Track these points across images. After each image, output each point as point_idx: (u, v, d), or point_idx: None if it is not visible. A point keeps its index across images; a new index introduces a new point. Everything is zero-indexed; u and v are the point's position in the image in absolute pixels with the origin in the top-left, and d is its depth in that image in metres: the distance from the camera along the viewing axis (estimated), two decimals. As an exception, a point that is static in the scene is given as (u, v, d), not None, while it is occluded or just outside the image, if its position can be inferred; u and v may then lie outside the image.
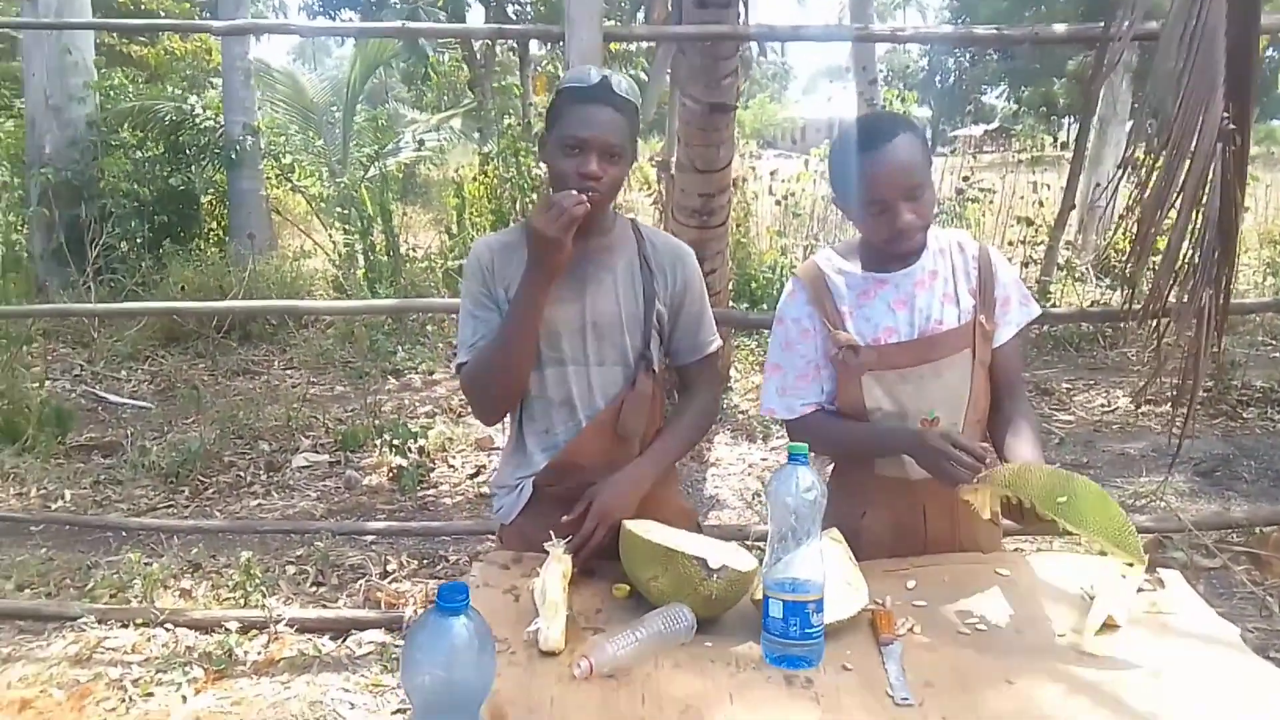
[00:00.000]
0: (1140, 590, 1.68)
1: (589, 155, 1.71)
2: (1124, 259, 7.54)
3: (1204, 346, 2.94)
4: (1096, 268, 8.00)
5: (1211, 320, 2.93)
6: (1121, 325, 6.83)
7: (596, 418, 1.84)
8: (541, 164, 8.17)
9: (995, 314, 1.87)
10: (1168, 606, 1.66)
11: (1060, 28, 3.57)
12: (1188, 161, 2.76)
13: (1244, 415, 5.47)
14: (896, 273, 1.84)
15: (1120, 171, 3.03)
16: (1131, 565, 1.67)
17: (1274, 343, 6.79)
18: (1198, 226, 2.83)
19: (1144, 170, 2.90)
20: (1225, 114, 2.79)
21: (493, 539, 3.12)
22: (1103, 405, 5.87)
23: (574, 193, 1.67)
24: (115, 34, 13.37)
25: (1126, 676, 1.42)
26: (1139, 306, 3.08)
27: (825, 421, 1.90)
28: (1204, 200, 2.81)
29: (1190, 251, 2.88)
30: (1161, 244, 3.02)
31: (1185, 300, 2.89)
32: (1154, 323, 3.05)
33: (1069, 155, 7.75)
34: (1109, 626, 1.53)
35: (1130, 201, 3.03)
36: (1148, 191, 2.86)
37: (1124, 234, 7.53)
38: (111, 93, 9.55)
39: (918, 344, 1.82)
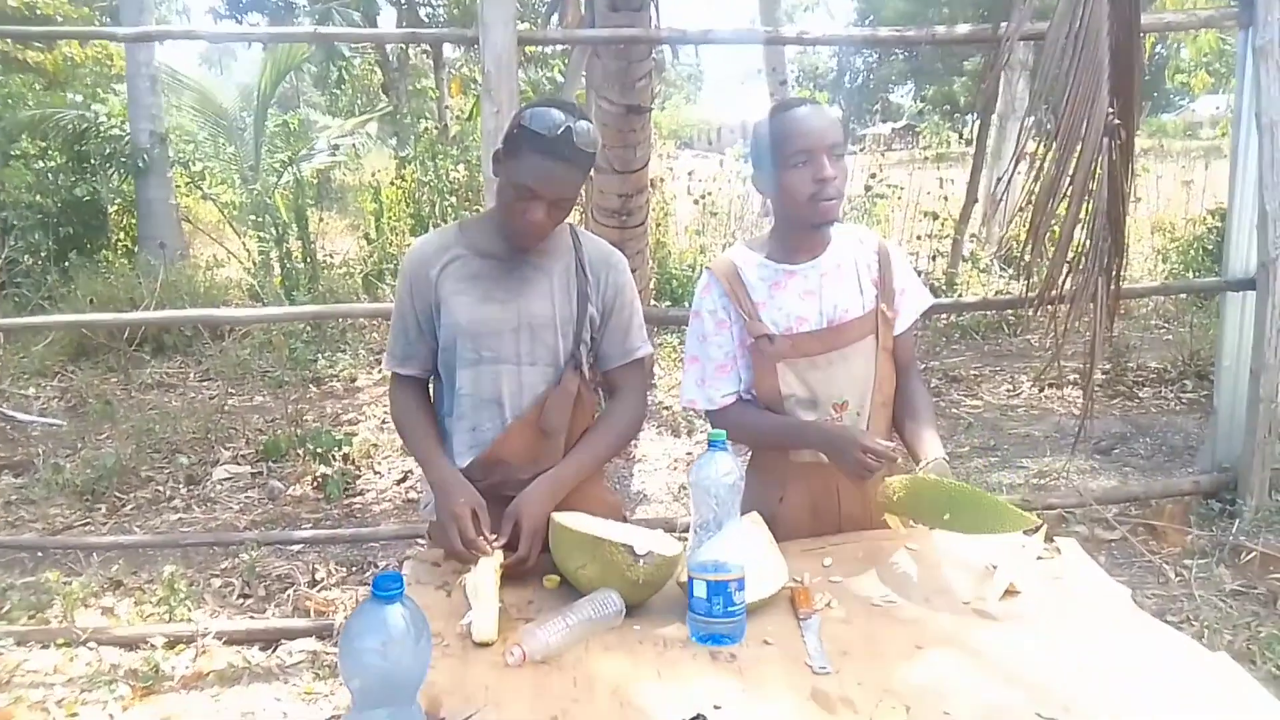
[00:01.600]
0: (1039, 559, 1.80)
1: (539, 205, 1.75)
2: (1023, 249, 7.86)
3: (1099, 330, 3.11)
4: (1000, 258, 8.30)
5: (1104, 305, 3.10)
6: (1024, 312, 7.10)
7: (522, 415, 1.88)
8: (463, 165, 8.21)
9: (895, 303, 1.99)
10: (1064, 572, 1.78)
11: (963, 28, 3.72)
12: (1076, 155, 2.91)
13: (1140, 395, 5.76)
14: (805, 264, 1.94)
15: (1013, 165, 3.18)
16: (1031, 531, 1.81)
17: (1166, 325, 7.14)
18: (1088, 217, 2.99)
19: (1037, 164, 3.05)
20: (1110, 109, 2.94)
21: (422, 542, 3.14)
22: (1008, 390, 6.11)
23: (466, 545, 1.72)
24: (11, 40, 12.85)
25: (1026, 638, 1.52)
26: (1035, 294, 3.24)
27: (745, 413, 1.98)
28: (1093, 192, 2.97)
29: (1083, 240, 3.04)
30: (1057, 234, 3.18)
31: (1080, 287, 3.05)
32: (1051, 308, 3.20)
33: (973, 151, 8.02)
34: (1010, 593, 1.64)
35: (1025, 194, 3.19)
36: (1039, 185, 3.01)
37: (1023, 225, 7.84)
38: (9, 101, 9.24)
39: (827, 332, 1.92)
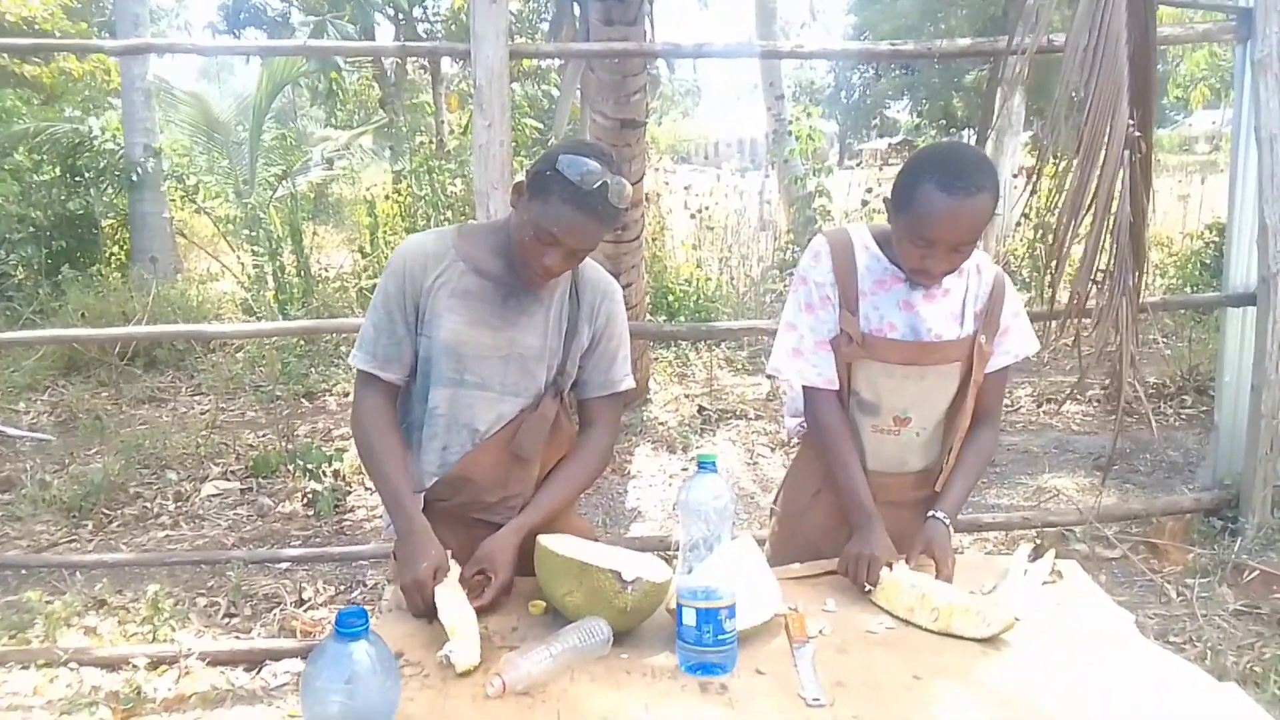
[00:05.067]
0: (1044, 584, 1.75)
1: (558, 252, 1.67)
2: (1021, 264, 7.82)
3: (1126, 347, 3.06)
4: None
5: (1129, 322, 3.05)
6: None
7: (494, 434, 1.81)
8: (459, 179, 8.17)
9: (994, 339, 1.91)
10: (1066, 598, 1.73)
11: (964, 42, 3.69)
12: (1099, 169, 2.85)
13: (1139, 411, 5.69)
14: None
15: (1033, 180, 3.11)
16: (1036, 556, 1.77)
17: (1164, 340, 7.09)
18: (1110, 232, 2.93)
19: (1054, 179, 3.00)
20: (1130, 120, 2.89)
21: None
22: (1006, 405, 6.05)
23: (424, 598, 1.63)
24: (7, 54, 12.85)
25: (1028, 667, 1.47)
26: (1059, 310, 3.19)
27: (833, 422, 1.90)
28: (1114, 208, 2.91)
29: (1107, 257, 2.98)
30: (1073, 251, 3.13)
31: (1105, 304, 2.99)
32: (1074, 326, 3.15)
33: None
34: (1012, 620, 1.58)
35: (1026, 209, 3.15)
36: (1061, 199, 2.95)
37: (1022, 241, 7.82)
38: (4, 114, 9.22)
39: (912, 346, 1.85)
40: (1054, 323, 3.24)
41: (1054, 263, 3.10)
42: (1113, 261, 2.96)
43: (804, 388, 1.94)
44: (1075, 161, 2.87)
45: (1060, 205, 2.95)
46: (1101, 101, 2.80)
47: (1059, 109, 2.94)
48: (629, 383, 1.94)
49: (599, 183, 1.63)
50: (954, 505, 1.88)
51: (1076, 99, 2.87)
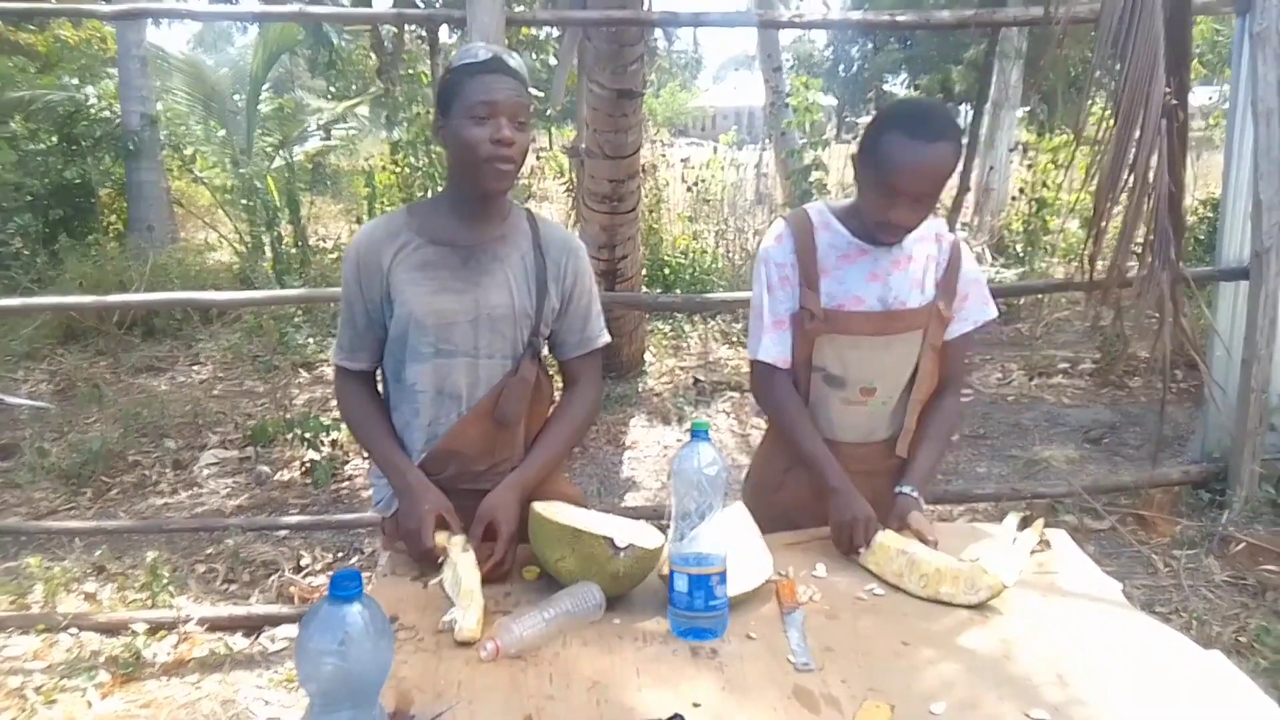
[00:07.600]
0: (1032, 552, 1.78)
1: (499, 120, 1.68)
2: (1016, 238, 7.82)
3: (1172, 318, 3.07)
4: (992, 247, 8.27)
5: (1169, 294, 3.06)
6: (1017, 301, 7.10)
7: (476, 405, 1.82)
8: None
9: (953, 305, 1.93)
10: (1054, 566, 1.76)
11: (970, 11, 3.67)
12: (1135, 139, 2.82)
13: (1130, 385, 5.74)
14: (879, 247, 1.88)
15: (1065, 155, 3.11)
16: (1023, 525, 1.79)
17: (1156, 315, 7.10)
18: (1150, 204, 2.92)
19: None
20: (1167, 89, 2.86)
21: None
22: (999, 379, 6.09)
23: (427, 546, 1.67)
24: (1, 20, 12.72)
25: (1016, 634, 1.50)
26: (1099, 280, 3.17)
27: (783, 393, 1.94)
28: (1153, 178, 2.88)
29: (1145, 228, 2.97)
30: (1098, 222, 3.12)
31: (1144, 276, 2.99)
32: (1112, 297, 3.16)
33: (964, 140, 7.96)
34: (999, 586, 1.61)
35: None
36: (1099, 171, 2.92)
37: (1017, 215, 7.82)
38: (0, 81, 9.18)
39: (881, 317, 1.87)
40: (1094, 293, 3.24)
41: (1094, 234, 3.08)
42: (1153, 233, 2.94)
43: (754, 363, 1.97)
44: (1112, 131, 2.84)
45: (1097, 175, 2.91)
46: (1138, 69, 2.76)
47: (1106, 68, 2.87)
48: (605, 338, 1.96)
49: (491, 54, 1.73)
50: (922, 476, 1.91)
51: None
